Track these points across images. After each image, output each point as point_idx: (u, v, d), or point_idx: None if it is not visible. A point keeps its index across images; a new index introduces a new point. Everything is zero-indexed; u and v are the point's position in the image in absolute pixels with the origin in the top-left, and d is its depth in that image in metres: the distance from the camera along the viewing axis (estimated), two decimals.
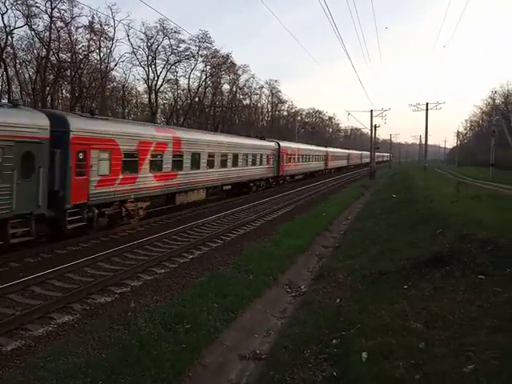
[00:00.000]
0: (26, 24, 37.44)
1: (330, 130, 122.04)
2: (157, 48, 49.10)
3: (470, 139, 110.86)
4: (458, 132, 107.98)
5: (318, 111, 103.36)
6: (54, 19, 38.34)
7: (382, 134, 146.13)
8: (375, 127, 53.69)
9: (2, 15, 35.77)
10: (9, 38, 36.94)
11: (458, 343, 5.37)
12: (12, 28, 36.99)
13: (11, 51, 38.65)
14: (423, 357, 5.20)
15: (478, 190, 24.44)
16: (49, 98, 41.32)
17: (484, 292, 6.84)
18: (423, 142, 65.79)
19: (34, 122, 11.16)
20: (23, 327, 7.04)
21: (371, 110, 51.54)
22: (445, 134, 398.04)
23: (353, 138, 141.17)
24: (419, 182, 32.49)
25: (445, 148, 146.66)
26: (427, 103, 52.72)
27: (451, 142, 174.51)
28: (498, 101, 77.33)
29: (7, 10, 35.57)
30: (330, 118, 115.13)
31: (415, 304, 6.97)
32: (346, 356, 5.72)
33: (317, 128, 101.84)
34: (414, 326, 6.13)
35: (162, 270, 10.57)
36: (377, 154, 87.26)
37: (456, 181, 30.36)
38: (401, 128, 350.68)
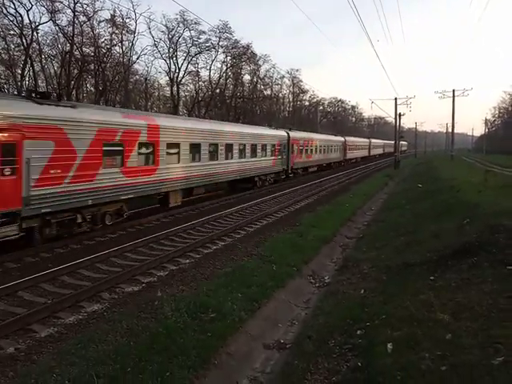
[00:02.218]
0: (51, 19, 38.10)
1: (353, 119, 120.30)
2: (178, 40, 49.29)
3: (499, 127, 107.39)
4: (486, 119, 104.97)
5: (340, 100, 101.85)
6: (76, 14, 38.87)
7: (406, 123, 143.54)
8: (400, 115, 52.63)
9: (28, 11, 36.52)
10: (34, 33, 37.76)
11: (486, 335, 5.28)
12: (37, 24, 37.77)
13: (37, 47, 39.51)
14: (450, 348, 5.14)
15: (507, 179, 23.73)
16: (73, 92, 42.11)
17: None
18: (450, 130, 64.27)
19: None
20: (55, 315, 7.29)
21: (395, 98, 50.47)
22: (472, 121, 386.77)
23: (376, 128, 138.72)
24: (445, 171, 31.81)
25: (472, 136, 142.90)
26: (454, 90, 51.49)
27: (479, 130, 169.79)
28: None
29: (32, 6, 36.29)
30: (353, 107, 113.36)
31: (442, 295, 6.87)
32: (371, 347, 5.71)
33: (339, 117, 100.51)
34: (440, 318, 6.05)
35: (187, 261, 10.73)
36: (387, 142, 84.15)
37: (484, 170, 29.55)
38: (426, 116, 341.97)
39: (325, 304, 8.20)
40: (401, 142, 79.38)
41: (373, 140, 76.89)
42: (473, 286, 7.03)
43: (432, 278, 7.87)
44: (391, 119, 64.61)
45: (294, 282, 9.75)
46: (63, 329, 6.89)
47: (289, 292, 9.22)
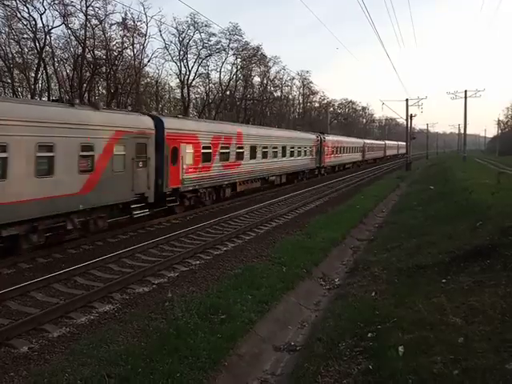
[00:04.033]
0: (63, 23, 38.62)
1: (364, 120, 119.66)
2: (188, 42, 49.58)
3: None
4: (499, 120, 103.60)
5: (350, 101, 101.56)
6: (88, 17, 39.36)
7: (418, 124, 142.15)
8: (411, 117, 52.23)
9: (41, 15, 37.06)
10: (47, 37, 38.29)
11: (499, 339, 5.20)
12: (50, 28, 38.30)
13: (50, 50, 40.05)
14: (462, 352, 5.07)
15: None
16: (86, 94, 42.58)
17: None
18: (462, 131, 63.59)
19: None
20: (67, 315, 7.37)
21: (406, 99, 50.19)
22: (485, 122, 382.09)
23: (388, 129, 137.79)
24: (458, 172, 31.47)
25: (485, 137, 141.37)
26: (466, 91, 51.00)
27: (491, 131, 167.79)
28: None
29: (45, 10, 36.82)
30: (364, 109, 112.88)
31: (454, 298, 6.80)
32: (382, 350, 5.65)
33: (350, 119, 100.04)
34: (452, 321, 5.99)
35: (198, 262, 10.76)
36: (391, 143, 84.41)
37: (496, 171, 29.15)
38: (438, 117, 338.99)
39: (335, 306, 8.15)
40: (389, 143, 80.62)
41: (387, 142, 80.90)
42: (486, 288, 6.94)
43: (444, 280, 7.80)
44: (402, 120, 64.26)
45: (303, 284, 9.72)
46: (75, 329, 6.95)
47: (299, 294, 9.19)
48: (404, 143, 74.19)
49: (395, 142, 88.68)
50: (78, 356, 5.80)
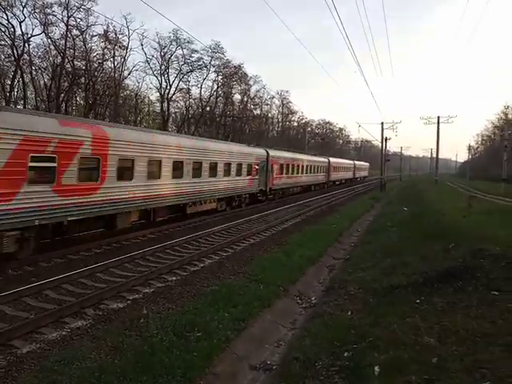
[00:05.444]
0: (43, 32, 38.38)
1: (340, 141, 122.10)
2: (170, 57, 50.02)
3: (482, 153, 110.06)
4: (470, 146, 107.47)
5: (328, 122, 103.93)
6: (70, 27, 39.26)
7: (392, 147, 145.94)
8: (386, 140, 53.61)
9: (20, 23, 36.67)
10: (26, 45, 37.82)
11: (472, 359, 5.34)
12: (29, 36, 37.88)
13: (27, 58, 39.52)
14: (436, 372, 5.18)
15: (490, 205, 24.22)
16: (63, 104, 42.01)
17: (498, 308, 6.80)
18: (434, 155, 65.55)
19: None
20: (38, 331, 7.12)
21: (382, 123, 51.58)
22: (456, 147, 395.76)
23: (363, 150, 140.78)
24: (430, 195, 32.32)
25: (456, 161, 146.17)
26: (438, 117, 52.88)
27: (462, 156, 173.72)
28: (510, 115, 76.84)
29: (25, 18, 36.48)
30: (341, 130, 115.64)
31: (428, 318, 6.93)
32: (359, 369, 5.70)
33: (327, 139, 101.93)
34: (426, 341, 6.10)
35: (174, 278, 10.63)
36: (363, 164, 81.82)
37: (467, 195, 30.13)
38: (412, 141, 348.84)
39: (311, 325, 8.16)
40: (358, 163, 75.64)
41: (358, 162, 77.64)
42: (458, 310, 7.12)
43: (418, 300, 7.94)
44: (377, 143, 65.89)
45: (280, 302, 9.71)
46: (46, 345, 6.72)
47: (275, 312, 9.17)
48: (363, 163, 74.60)
49: (366, 164, 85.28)
50: (47, 373, 5.60)
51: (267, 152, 29.36)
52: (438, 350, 5.80)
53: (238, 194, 24.55)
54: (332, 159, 53.27)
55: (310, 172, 41.63)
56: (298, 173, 37.05)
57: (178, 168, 17.79)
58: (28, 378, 5.56)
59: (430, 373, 5.18)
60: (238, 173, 24.04)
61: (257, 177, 27.02)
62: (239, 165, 24.15)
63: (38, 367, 5.88)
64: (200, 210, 20.73)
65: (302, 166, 38.56)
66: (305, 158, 41.13)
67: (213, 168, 20.87)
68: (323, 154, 60.15)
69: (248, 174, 25.49)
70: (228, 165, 22.65)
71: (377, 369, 5.55)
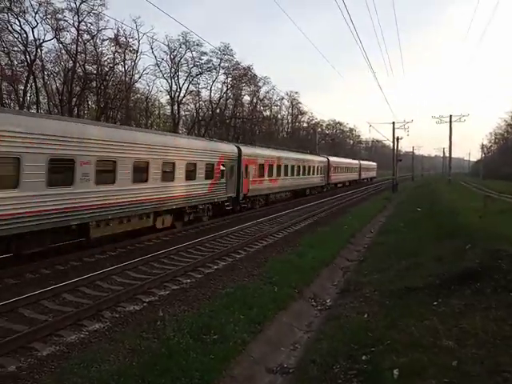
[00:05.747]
0: (55, 37, 38.87)
1: (351, 141, 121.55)
2: (179, 60, 50.29)
3: (495, 152, 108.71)
4: (483, 145, 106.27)
5: (338, 123, 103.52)
6: (80, 32, 39.71)
7: (404, 146, 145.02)
8: (397, 139, 53.21)
9: (33, 29, 37.20)
10: (38, 50, 38.35)
11: (492, 362, 5.27)
12: (41, 41, 38.41)
13: (40, 63, 40.06)
14: (457, 375, 5.12)
15: (505, 205, 23.90)
16: (75, 109, 42.49)
17: None
18: (447, 154, 64.88)
19: None
20: (56, 333, 7.20)
21: (393, 122, 51.16)
22: (469, 146, 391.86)
23: (374, 151, 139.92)
24: (443, 195, 31.98)
25: (469, 161, 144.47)
26: (451, 115, 52.26)
27: (475, 155, 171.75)
28: None
29: (37, 23, 37.00)
30: (351, 130, 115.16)
31: (446, 321, 6.86)
32: (377, 373, 5.65)
33: (337, 140, 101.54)
34: (445, 344, 6.03)
35: (189, 280, 10.67)
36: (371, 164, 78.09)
37: (482, 194, 29.76)
38: (424, 140, 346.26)
39: (327, 328, 8.13)
40: (365, 163, 69.48)
41: (364, 162, 72.45)
42: (477, 312, 7.03)
43: (435, 303, 7.86)
44: (389, 142, 65.33)
45: (295, 305, 9.69)
46: (65, 347, 6.79)
47: (290, 314, 9.15)
48: (370, 163, 71.63)
49: (373, 164, 79.73)
50: (67, 376, 5.66)
51: (239, 149, 23.37)
52: (457, 352, 5.73)
53: (191, 205, 18.33)
54: (332, 158, 47.29)
55: (303, 174, 35.68)
56: (285, 175, 31.05)
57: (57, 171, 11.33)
58: (49, 381, 5.63)
59: (450, 376, 5.12)
60: (190, 176, 17.84)
61: (222, 180, 20.96)
62: (191, 165, 17.93)
63: (59, 369, 5.95)
64: (116, 231, 14.16)
65: (292, 167, 32.64)
66: (294, 156, 34.78)
67: (140, 170, 14.65)
68: (335, 154, 58.83)
69: (207, 178, 19.37)
70: (170, 165, 16.41)
71: (396, 372, 5.50)
